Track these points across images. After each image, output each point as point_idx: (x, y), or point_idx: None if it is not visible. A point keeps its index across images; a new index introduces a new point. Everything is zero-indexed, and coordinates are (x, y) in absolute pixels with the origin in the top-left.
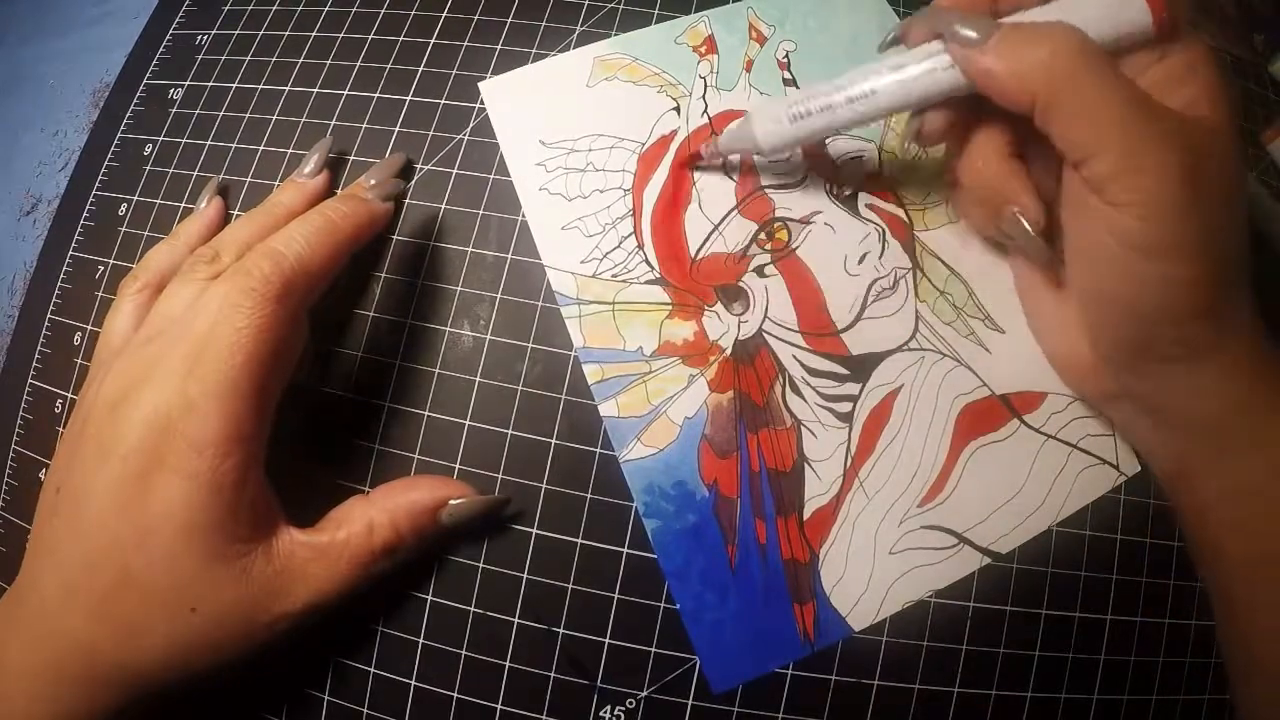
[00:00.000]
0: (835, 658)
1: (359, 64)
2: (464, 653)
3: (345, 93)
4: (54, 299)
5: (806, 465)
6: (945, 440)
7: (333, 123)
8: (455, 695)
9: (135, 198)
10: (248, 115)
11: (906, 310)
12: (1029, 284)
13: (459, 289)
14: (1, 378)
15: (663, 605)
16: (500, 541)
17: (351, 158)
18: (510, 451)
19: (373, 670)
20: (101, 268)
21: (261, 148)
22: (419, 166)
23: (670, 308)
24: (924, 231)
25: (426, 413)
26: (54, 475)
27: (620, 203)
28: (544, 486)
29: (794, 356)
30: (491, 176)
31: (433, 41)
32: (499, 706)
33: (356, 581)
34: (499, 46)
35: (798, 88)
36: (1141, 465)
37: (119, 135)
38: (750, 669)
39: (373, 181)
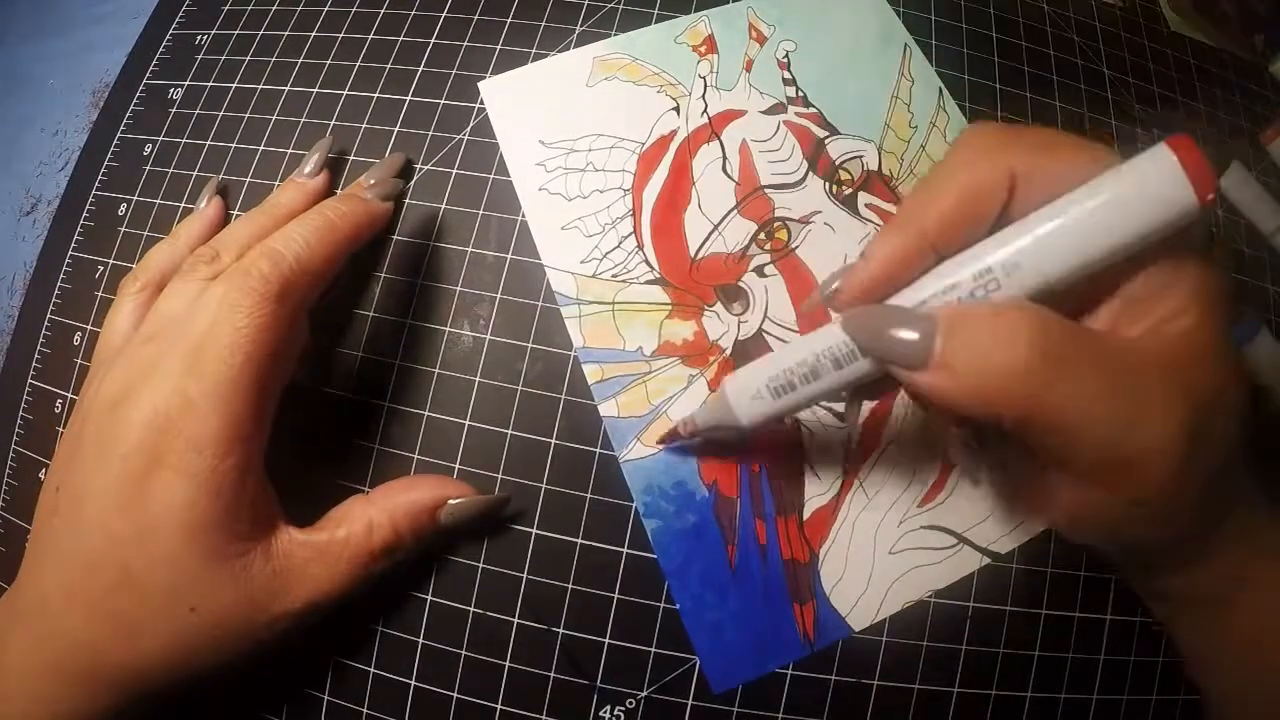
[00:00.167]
0: (835, 658)
1: (359, 64)
2: (464, 652)
3: (345, 93)
4: (54, 299)
5: (806, 465)
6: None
7: (332, 123)
8: (455, 695)
9: (135, 198)
10: (247, 115)
11: None
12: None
13: (459, 289)
14: (1, 378)
15: (662, 605)
16: (500, 541)
17: (351, 158)
18: (510, 451)
19: (372, 670)
20: (101, 268)
21: (261, 148)
22: (419, 166)
23: (670, 308)
24: None
25: (426, 412)
26: (54, 475)
27: (620, 203)
28: (544, 486)
29: None
30: (491, 176)
31: (432, 41)
32: (499, 706)
33: (356, 581)
34: (499, 46)
35: (798, 88)
36: None
37: (119, 135)
38: (750, 669)
39: (372, 181)
